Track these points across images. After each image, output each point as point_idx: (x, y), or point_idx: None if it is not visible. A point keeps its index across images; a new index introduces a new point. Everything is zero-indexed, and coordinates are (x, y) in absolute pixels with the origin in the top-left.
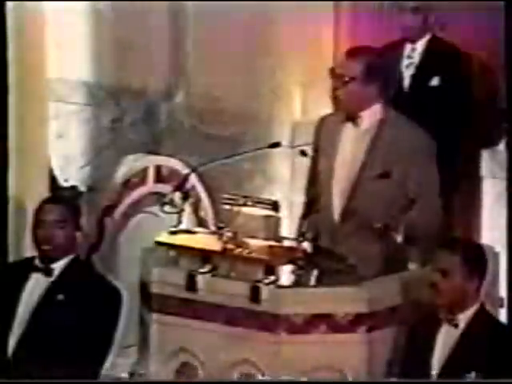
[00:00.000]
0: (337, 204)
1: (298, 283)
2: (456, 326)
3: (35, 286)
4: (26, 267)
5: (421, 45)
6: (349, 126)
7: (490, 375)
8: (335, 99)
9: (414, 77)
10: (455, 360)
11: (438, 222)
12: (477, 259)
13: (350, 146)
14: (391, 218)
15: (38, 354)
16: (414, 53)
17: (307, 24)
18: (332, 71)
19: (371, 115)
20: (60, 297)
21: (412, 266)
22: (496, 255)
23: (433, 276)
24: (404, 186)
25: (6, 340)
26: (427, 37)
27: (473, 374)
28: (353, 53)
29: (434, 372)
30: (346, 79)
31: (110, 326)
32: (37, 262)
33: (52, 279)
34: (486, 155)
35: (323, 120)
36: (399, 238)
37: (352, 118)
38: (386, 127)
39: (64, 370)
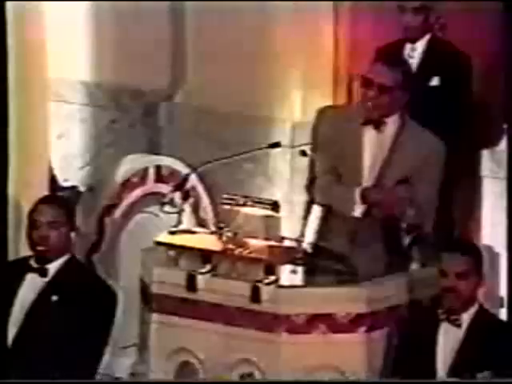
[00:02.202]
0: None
1: (299, 283)
2: (459, 325)
3: (30, 286)
4: (22, 267)
5: (421, 45)
6: (370, 130)
7: (497, 373)
8: (365, 108)
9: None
10: (465, 359)
11: (428, 226)
12: (479, 258)
13: (371, 150)
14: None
15: (30, 355)
16: (414, 53)
17: (307, 24)
18: (366, 78)
19: (394, 121)
20: (54, 297)
21: (412, 266)
22: (496, 255)
23: (448, 281)
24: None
25: (4, 340)
26: (427, 37)
27: (486, 373)
28: (391, 60)
29: (443, 372)
30: (388, 88)
31: (103, 327)
32: (32, 262)
33: (47, 279)
34: (485, 155)
35: (323, 112)
36: (406, 240)
37: (376, 122)
38: (405, 133)
39: (57, 370)
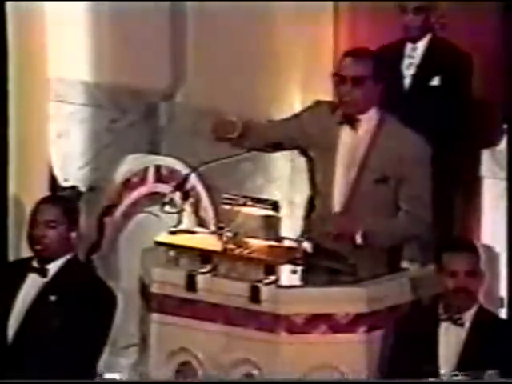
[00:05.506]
0: (336, 206)
1: (298, 283)
2: (462, 325)
3: (31, 286)
4: (24, 267)
5: (422, 45)
6: (346, 129)
7: (501, 371)
8: (342, 105)
9: (414, 76)
10: (469, 358)
11: (426, 231)
12: (479, 255)
13: (347, 150)
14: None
15: (30, 355)
16: (414, 52)
17: (307, 24)
18: (338, 75)
19: (369, 119)
20: (52, 298)
21: (412, 265)
22: (496, 255)
23: (457, 280)
24: (397, 192)
25: (5, 341)
26: (428, 36)
27: (492, 372)
28: (359, 53)
29: (445, 371)
30: (359, 79)
31: (102, 328)
32: (34, 262)
33: (46, 280)
34: (486, 155)
35: (313, 107)
36: (359, 240)
37: (351, 121)
38: (383, 132)
39: (56, 370)
